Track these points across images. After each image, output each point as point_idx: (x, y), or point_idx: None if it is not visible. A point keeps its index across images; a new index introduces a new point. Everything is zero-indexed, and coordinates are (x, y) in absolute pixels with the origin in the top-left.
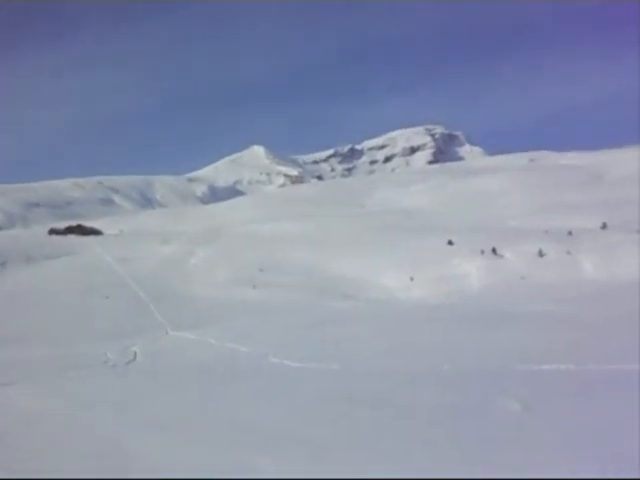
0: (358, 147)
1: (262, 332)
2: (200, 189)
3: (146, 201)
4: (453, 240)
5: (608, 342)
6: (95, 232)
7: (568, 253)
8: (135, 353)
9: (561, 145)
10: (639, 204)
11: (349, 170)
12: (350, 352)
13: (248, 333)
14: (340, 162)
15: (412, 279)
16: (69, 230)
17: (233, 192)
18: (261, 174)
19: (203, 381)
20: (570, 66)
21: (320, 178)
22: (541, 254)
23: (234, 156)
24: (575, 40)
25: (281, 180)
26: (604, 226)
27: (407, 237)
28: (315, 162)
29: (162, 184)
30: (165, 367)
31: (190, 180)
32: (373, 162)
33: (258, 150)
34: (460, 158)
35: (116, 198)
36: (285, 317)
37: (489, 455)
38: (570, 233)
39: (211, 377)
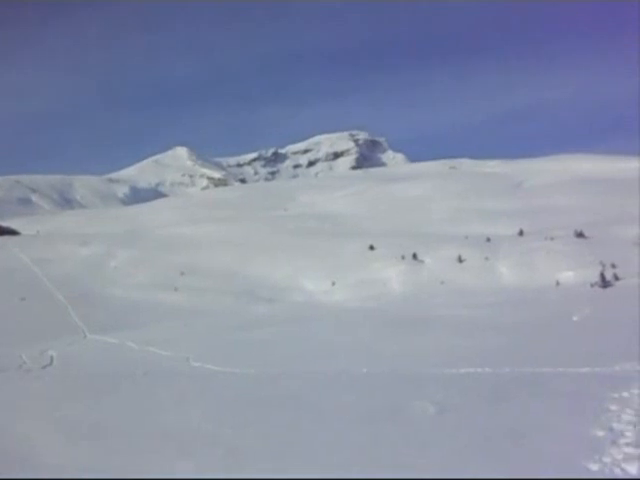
0: (282, 151)
1: (183, 336)
2: (121, 190)
3: (65, 201)
4: (374, 245)
5: (523, 346)
6: (11, 232)
7: (486, 259)
8: (52, 357)
9: (481, 153)
10: (554, 212)
11: (273, 174)
12: (271, 356)
13: (169, 337)
14: (264, 166)
15: (334, 283)
16: None
17: (155, 194)
18: (184, 176)
19: (122, 385)
20: (491, 77)
21: (244, 181)
22: (460, 260)
23: (157, 157)
24: (496, 52)
25: (204, 182)
26: (521, 233)
27: (329, 241)
28: (239, 165)
29: (82, 184)
30: (82, 371)
31: (111, 181)
32: (297, 166)
33: (181, 151)
34: (383, 164)
35: (34, 198)
36: (207, 321)
37: (405, 456)
38: (488, 239)
39: (130, 381)
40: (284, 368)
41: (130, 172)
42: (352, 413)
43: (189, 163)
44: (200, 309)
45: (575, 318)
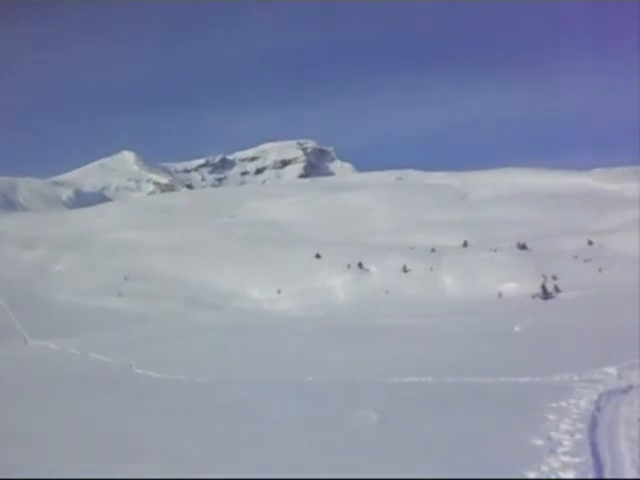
0: (230, 158)
1: (127, 342)
2: (66, 193)
3: (8, 204)
4: (321, 254)
5: (466, 356)
6: None
7: (431, 269)
8: None
9: (427, 165)
10: (498, 224)
11: (220, 180)
12: (215, 363)
13: (112, 343)
14: (211, 172)
15: (279, 291)
16: None
17: (100, 198)
18: (130, 180)
19: (62, 392)
20: (439, 89)
21: (190, 187)
22: (405, 270)
23: (103, 161)
24: (444, 64)
25: (150, 188)
26: (465, 244)
27: (276, 249)
28: (186, 171)
29: (26, 187)
30: (21, 377)
31: (56, 184)
32: (244, 173)
33: (128, 156)
34: (331, 173)
35: None
36: (151, 327)
37: (347, 464)
38: (433, 250)
39: (69, 387)
40: (229, 376)
41: (75, 175)
42: (296, 421)
43: (135, 168)
44: (144, 315)
45: (517, 329)
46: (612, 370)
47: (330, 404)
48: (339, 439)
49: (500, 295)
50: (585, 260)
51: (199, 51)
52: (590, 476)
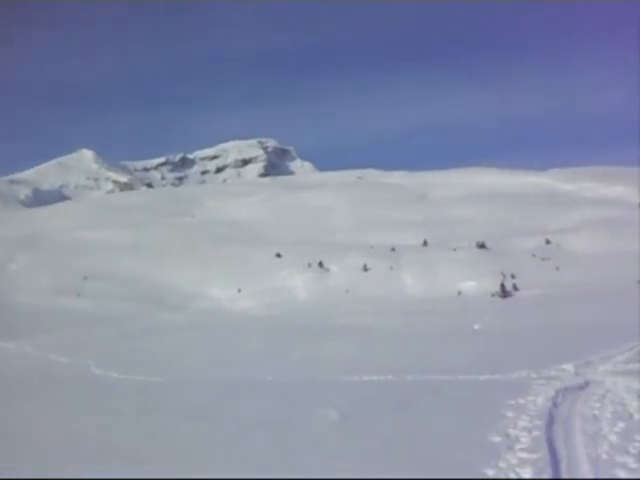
0: (190, 156)
1: (86, 342)
2: (23, 192)
3: None
4: (281, 253)
5: (426, 354)
6: None
7: (391, 268)
8: None
9: (387, 164)
10: (457, 223)
11: (180, 179)
12: (176, 363)
13: (71, 343)
14: (171, 170)
15: (240, 290)
16: None
17: (59, 196)
18: (88, 179)
19: (15, 392)
20: (399, 89)
21: (150, 186)
22: (365, 269)
23: (61, 159)
24: (404, 64)
25: (109, 186)
26: (425, 243)
27: (236, 248)
28: (146, 169)
29: None
30: None
31: (12, 182)
32: (204, 172)
33: (87, 154)
34: (291, 172)
35: None
36: (111, 327)
37: (306, 463)
38: (393, 249)
39: (28, 389)
40: (189, 376)
41: (32, 174)
42: (255, 421)
43: (94, 166)
44: (104, 315)
45: (476, 327)
46: (569, 367)
47: (290, 403)
48: (298, 438)
49: (459, 294)
50: (543, 259)
51: (160, 49)
52: (547, 472)
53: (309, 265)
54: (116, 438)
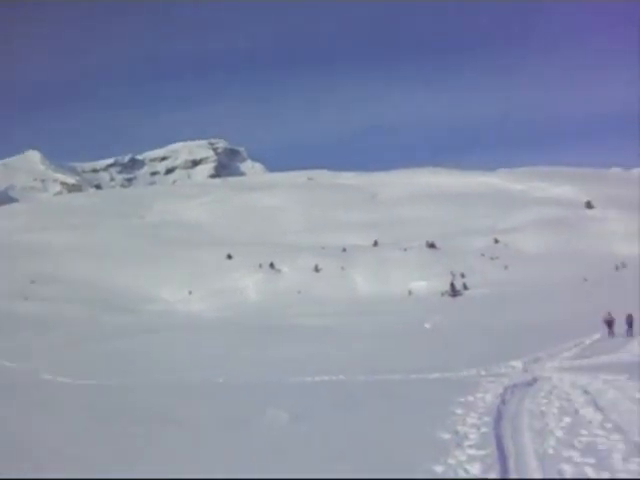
0: (139, 157)
1: (34, 347)
2: None
3: None
4: (232, 254)
5: (377, 354)
6: None
7: (342, 269)
8: None
9: (338, 165)
10: (407, 223)
11: (129, 180)
12: (128, 367)
13: (18, 348)
14: (120, 172)
15: (191, 292)
16: None
17: (5, 198)
18: (36, 180)
19: None
20: (348, 90)
21: (99, 187)
22: (317, 269)
23: (6, 160)
24: (353, 66)
25: (57, 188)
26: (375, 244)
27: (187, 250)
28: (94, 171)
29: None
30: None
31: None
32: (154, 173)
33: (33, 155)
34: (242, 173)
35: None
36: (61, 331)
37: (257, 464)
38: (344, 250)
39: None
40: (141, 379)
41: None
42: (206, 422)
43: (41, 167)
44: (52, 319)
45: (427, 326)
46: (517, 364)
47: (241, 405)
48: (249, 439)
49: (410, 293)
50: (492, 258)
51: (109, 50)
52: (495, 469)
53: (260, 266)
54: (65, 443)
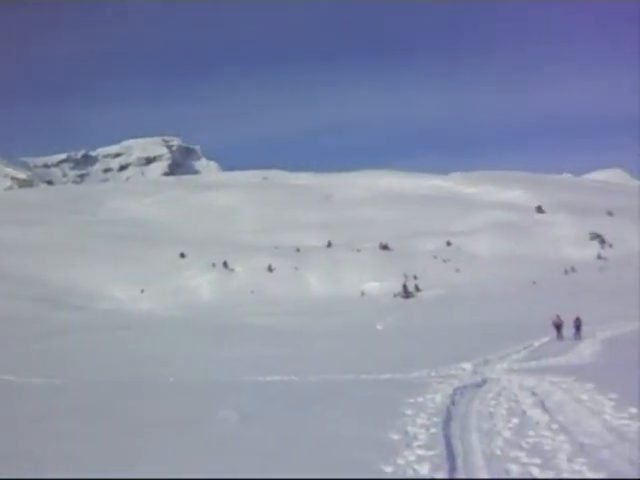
0: (92, 154)
1: None
2: None
3: None
4: (185, 253)
5: (329, 354)
6: None
7: (296, 269)
8: None
9: (293, 165)
10: (361, 225)
11: (82, 177)
12: (75, 365)
13: None
14: (73, 168)
15: (142, 291)
16: None
17: None
18: None
19: None
20: (303, 91)
21: (51, 183)
22: (270, 269)
23: None
24: (308, 67)
25: (8, 183)
26: (329, 244)
27: (139, 248)
28: (46, 166)
29: None
30: None
31: None
32: (107, 170)
33: None
34: (196, 172)
35: None
36: (7, 328)
37: (206, 463)
38: (298, 250)
39: None
40: (91, 378)
41: None
42: (156, 422)
43: None
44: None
45: (379, 327)
46: (468, 365)
47: (191, 404)
48: (199, 439)
49: (363, 294)
50: (444, 260)
51: (62, 43)
52: (443, 469)
53: (213, 265)
54: (14, 441)
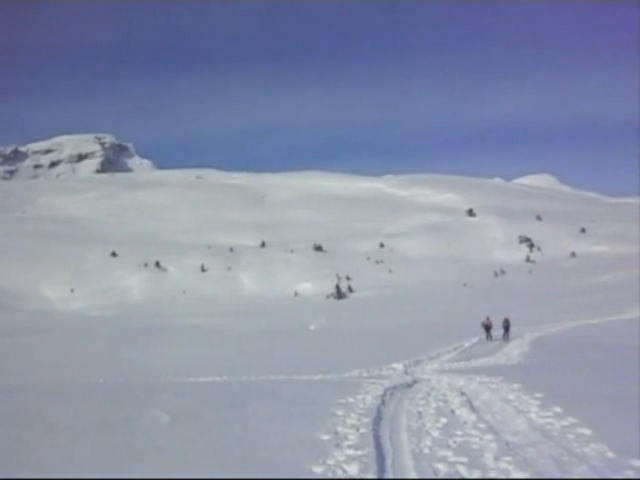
0: (22, 149)
1: None
2: None
3: None
4: (117, 252)
5: (261, 355)
6: None
7: (229, 269)
8: None
9: (226, 165)
10: (295, 226)
11: (11, 173)
12: (2, 367)
13: None
14: (2, 164)
15: (73, 290)
16: None
17: None
18: None
19: None
20: (237, 91)
21: None
22: (203, 269)
23: None
24: (244, 68)
25: None
26: (263, 245)
27: (70, 247)
28: None
29: None
30: None
31: None
32: (38, 166)
33: None
34: (129, 170)
35: None
36: None
37: (134, 466)
38: (231, 250)
39: None
40: (17, 380)
41: None
42: (83, 424)
43: None
44: None
45: (312, 328)
46: (399, 366)
47: (121, 406)
48: (127, 441)
49: (296, 295)
50: (377, 262)
51: None
52: (372, 468)
53: (146, 265)
54: None
